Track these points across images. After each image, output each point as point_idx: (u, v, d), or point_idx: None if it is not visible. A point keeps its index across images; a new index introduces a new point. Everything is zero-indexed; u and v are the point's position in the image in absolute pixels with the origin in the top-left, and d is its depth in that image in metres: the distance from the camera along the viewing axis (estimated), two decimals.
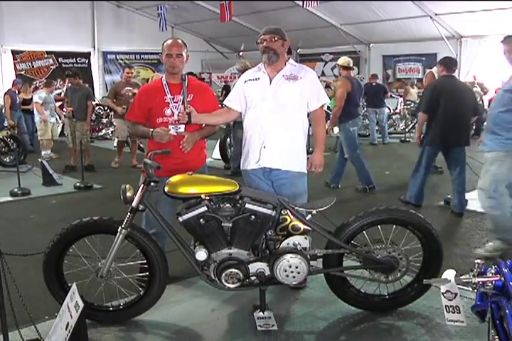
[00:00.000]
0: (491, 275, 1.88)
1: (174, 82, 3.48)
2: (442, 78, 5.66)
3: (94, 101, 9.40)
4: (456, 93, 5.43)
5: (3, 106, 11.71)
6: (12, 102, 10.37)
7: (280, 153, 3.35)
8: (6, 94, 10.57)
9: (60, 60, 17.05)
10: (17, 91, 11.01)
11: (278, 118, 3.31)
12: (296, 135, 3.39)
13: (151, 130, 3.41)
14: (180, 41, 3.51)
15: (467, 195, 6.26)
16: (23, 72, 16.21)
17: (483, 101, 14.04)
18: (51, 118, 9.70)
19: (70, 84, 8.79)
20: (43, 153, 9.78)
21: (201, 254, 2.89)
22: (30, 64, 16.46)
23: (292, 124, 3.36)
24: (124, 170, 8.47)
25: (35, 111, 9.80)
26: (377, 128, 12.00)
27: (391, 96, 14.91)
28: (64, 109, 9.76)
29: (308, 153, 3.55)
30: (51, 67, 16.94)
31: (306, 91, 3.35)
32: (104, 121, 13.24)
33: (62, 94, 10.06)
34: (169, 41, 3.51)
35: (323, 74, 17.62)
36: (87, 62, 17.70)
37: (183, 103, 3.43)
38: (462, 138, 5.47)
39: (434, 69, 7.90)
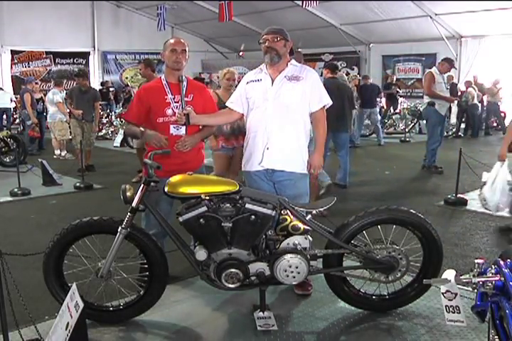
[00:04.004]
0: (491, 275, 1.88)
1: (174, 82, 3.48)
2: (327, 79, 6.57)
3: None
4: (336, 91, 5.94)
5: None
6: (31, 100, 10.26)
7: (283, 155, 3.33)
8: (25, 92, 10.39)
9: (57, 60, 17.07)
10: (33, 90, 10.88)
11: (281, 119, 3.30)
12: (299, 136, 3.37)
13: (142, 130, 3.40)
14: (183, 40, 3.53)
15: (467, 195, 6.28)
16: (18, 74, 16.21)
17: (482, 102, 14.07)
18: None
19: (76, 85, 8.65)
20: (63, 153, 9.78)
21: (201, 254, 2.89)
22: (26, 65, 16.47)
23: (295, 125, 3.34)
24: (124, 170, 8.47)
25: (50, 111, 9.72)
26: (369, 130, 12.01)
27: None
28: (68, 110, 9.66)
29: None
30: (47, 67, 16.95)
31: (308, 92, 3.33)
32: (104, 121, 13.25)
33: (66, 95, 9.96)
34: (172, 39, 3.53)
35: (322, 74, 17.64)
36: (84, 62, 17.70)
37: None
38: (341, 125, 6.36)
39: (433, 69, 7.91)
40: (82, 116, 8.25)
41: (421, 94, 13.69)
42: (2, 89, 14.00)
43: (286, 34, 3.36)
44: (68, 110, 9.25)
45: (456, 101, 11.18)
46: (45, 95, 10.48)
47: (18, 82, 15.60)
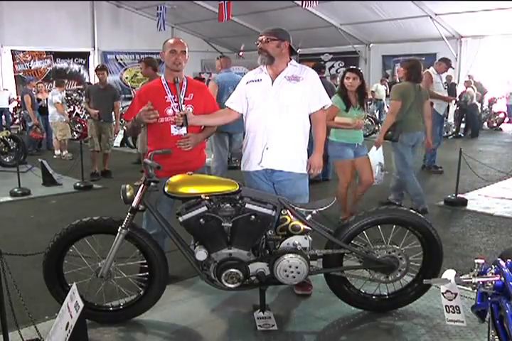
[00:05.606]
0: (491, 275, 1.88)
1: (174, 82, 3.47)
2: None
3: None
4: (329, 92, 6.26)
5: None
6: (32, 101, 10.23)
7: (283, 155, 3.33)
8: (24, 93, 10.39)
9: (57, 60, 17.08)
10: (33, 90, 10.76)
11: (281, 119, 3.30)
12: (298, 136, 3.37)
13: (135, 117, 3.39)
14: (182, 40, 3.52)
15: (467, 195, 6.29)
16: (21, 74, 16.25)
17: (482, 102, 14.08)
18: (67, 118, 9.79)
19: (98, 81, 7.95)
20: (63, 153, 9.81)
21: (201, 254, 2.89)
22: (28, 65, 16.49)
23: (295, 125, 3.34)
24: (124, 170, 8.46)
25: (50, 112, 9.71)
26: None
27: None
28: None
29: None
30: (48, 68, 16.96)
31: (307, 92, 3.32)
32: None
33: (83, 94, 9.91)
34: (172, 40, 3.53)
35: None
36: (84, 62, 17.70)
37: (183, 103, 3.43)
38: None
39: (431, 70, 7.91)
40: (99, 115, 7.64)
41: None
42: (7, 90, 14.05)
43: (283, 34, 3.32)
44: (80, 110, 9.09)
45: (454, 101, 11.19)
46: None
47: (21, 82, 15.64)
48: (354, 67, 5.18)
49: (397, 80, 15.93)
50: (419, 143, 5.73)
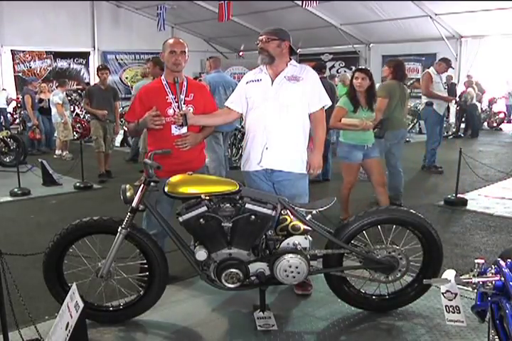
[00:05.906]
0: (491, 275, 1.88)
1: (174, 82, 3.47)
2: None
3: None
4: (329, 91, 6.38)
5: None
6: (32, 101, 10.23)
7: (282, 154, 3.33)
8: (25, 93, 10.39)
9: (57, 60, 17.09)
10: (36, 90, 10.76)
11: (280, 118, 3.30)
12: (298, 136, 3.37)
13: (139, 121, 3.39)
14: (182, 40, 3.52)
15: (467, 195, 6.28)
16: (20, 74, 16.25)
17: (481, 101, 14.08)
18: (69, 118, 9.82)
19: (98, 81, 7.91)
20: (64, 153, 9.83)
21: (201, 254, 2.89)
22: (28, 65, 16.50)
23: (294, 125, 3.34)
24: (124, 170, 8.46)
25: (52, 112, 9.70)
26: None
27: None
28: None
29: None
30: (48, 68, 16.97)
31: (307, 92, 3.32)
32: None
33: (83, 94, 9.90)
34: (172, 40, 3.52)
35: None
36: (84, 62, 17.71)
37: (184, 103, 3.43)
38: None
39: (431, 70, 7.91)
40: (106, 116, 7.58)
41: (420, 94, 13.71)
42: (5, 90, 14.06)
43: (283, 34, 3.33)
44: (80, 110, 9.03)
45: (454, 101, 11.20)
46: None
47: (20, 82, 15.64)
48: (363, 67, 5.17)
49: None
50: (403, 140, 6.04)
